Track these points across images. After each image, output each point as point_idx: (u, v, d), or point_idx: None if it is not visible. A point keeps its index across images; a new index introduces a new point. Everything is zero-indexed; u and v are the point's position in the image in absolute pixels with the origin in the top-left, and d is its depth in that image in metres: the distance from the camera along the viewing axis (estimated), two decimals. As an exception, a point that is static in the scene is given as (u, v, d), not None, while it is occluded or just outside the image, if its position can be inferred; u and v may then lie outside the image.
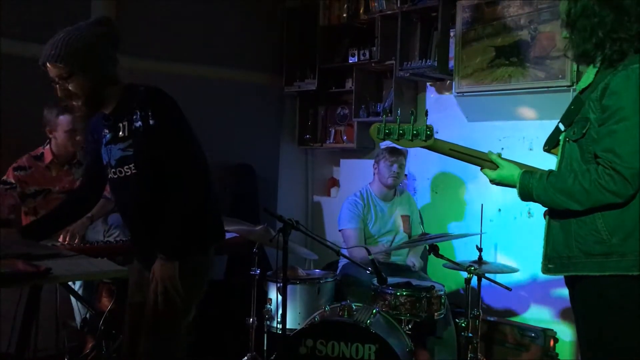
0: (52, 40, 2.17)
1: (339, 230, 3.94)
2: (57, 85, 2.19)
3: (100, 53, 2.19)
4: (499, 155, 2.06)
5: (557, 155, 2.08)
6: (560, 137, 2.04)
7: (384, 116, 2.22)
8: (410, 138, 2.05)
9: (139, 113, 2.20)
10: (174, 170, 2.19)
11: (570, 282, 2.04)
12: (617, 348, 1.87)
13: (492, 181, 2.08)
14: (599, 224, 1.86)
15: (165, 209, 2.19)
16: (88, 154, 2.48)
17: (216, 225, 2.41)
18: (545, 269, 2.02)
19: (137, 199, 2.30)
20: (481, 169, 2.09)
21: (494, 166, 2.05)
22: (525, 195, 1.97)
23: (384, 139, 2.06)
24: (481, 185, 4.11)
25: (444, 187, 4.36)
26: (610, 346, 1.88)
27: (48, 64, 2.16)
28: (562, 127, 2.04)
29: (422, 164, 4.37)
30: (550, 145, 2.10)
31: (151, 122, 2.18)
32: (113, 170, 2.30)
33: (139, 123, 2.20)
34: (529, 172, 1.99)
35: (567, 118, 2.01)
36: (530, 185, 1.95)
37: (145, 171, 2.24)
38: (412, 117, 2.05)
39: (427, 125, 2.04)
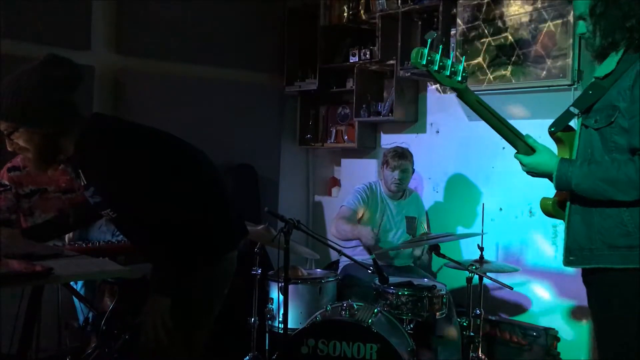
0: None
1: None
2: (6, 139, 2.01)
3: (47, 102, 1.94)
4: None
5: (557, 140, 2.06)
6: (576, 124, 2.01)
7: (428, 40, 1.94)
8: (448, 74, 1.92)
9: (87, 163, 2.02)
10: (156, 207, 2.00)
11: (586, 276, 2.02)
12: (633, 343, 1.85)
13: (526, 167, 2.01)
14: (625, 216, 1.85)
15: (158, 242, 2.03)
16: None
17: (225, 235, 2.20)
18: (567, 261, 2.00)
19: (129, 236, 2.27)
20: (515, 155, 2.02)
21: (529, 150, 1.99)
22: (562, 184, 1.92)
23: (426, 66, 1.89)
24: (483, 184, 4.11)
25: (448, 187, 4.36)
26: (629, 341, 1.86)
27: None
28: (574, 110, 2.01)
29: (425, 162, 4.37)
30: (558, 127, 2.05)
31: (98, 176, 2.00)
32: (100, 212, 2.14)
33: (91, 173, 2.02)
34: (567, 159, 1.94)
35: (583, 103, 1.98)
36: (569, 173, 1.89)
37: (123, 214, 2.08)
38: (441, 46, 1.91)
39: (464, 67, 1.94)
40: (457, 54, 3.97)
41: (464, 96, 1.98)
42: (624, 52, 1.92)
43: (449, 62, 1.92)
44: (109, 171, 1.99)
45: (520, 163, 2.03)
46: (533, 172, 2.01)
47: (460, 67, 1.93)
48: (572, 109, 2.02)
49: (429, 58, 1.89)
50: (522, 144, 2.00)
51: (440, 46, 1.92)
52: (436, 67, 1.91)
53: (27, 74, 1.97)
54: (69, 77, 2.01)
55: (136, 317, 3.00)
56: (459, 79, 1.94)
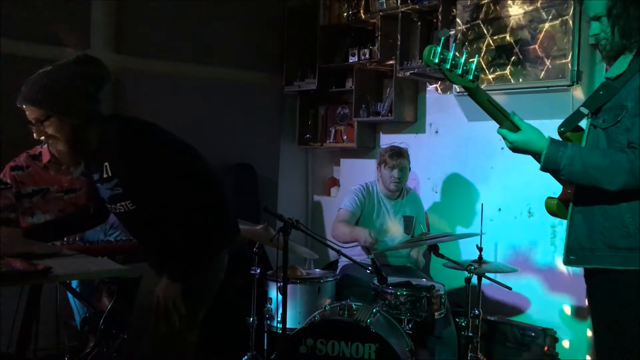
0: (29, 81, 2.08)
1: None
2: (34, 128, 2.11)
3: (79, 95, 2.08)
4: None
5: (565, 139, 2.05)
6: (585, 124, 2.00)
7: (442, 39, 1.92)
8: (460, 73, 1.88)
9: (115, 156, 2.13)
10: (171, 201, 2.13)
11: (588, 276, 2.02)
12: (632, 344, 1.85)
13: (512, 144, 1.96)
14: (627, 218, 1.84)
15: (171, 234, 2.16)
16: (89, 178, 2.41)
17: (225, 230, 2.28)
18: (567, 260, 1.99)
19: (142, 230, 2.30)
20: (498, 129, 1.97)
21: (514, 128, 1.95)
22: (550, 164, 1.89)
23: (438, 64, 1.86)
24: (481, 184, 4.11)
25: (447, 187, 4.36)
26: (628, 342, 1.87)
27: (24, 106, 2.08)
28: (584, 110, 2.00)
29: (424, 162, 4.37)
30: (568, 127, 2.04)
31: (125, 168, 2.12)
32: (110, 206, 2.25)
33: (117, 166, 2.13)
34: (558, 140, 1.91)
35: (593, 103, 1.97)
36: (559, 153, 1.86)
37: (143, 206, 2.18)
38: (456, 44, 1.87)
39: (476, 66, 1.91)
40: (457, 53, 3.96)
41: (475, 95, 1.94)
42: (636, 53, 1.91)
43: (461, 61, 1.89)
44: (137, 162, 2.10)
45: (505, 139, 1.98)
46: (519, 149, 1.97)
47: (472, 66, 1.90)
48: (582, 109, 2.01)
49: (441, 56, 1.86)
50: (507, 122, 1.96)
51: (454, 44, 1.88)
52: (448, 66, 1.88)
53: (62, 68, 2.10)
54: (98, 75, 2.16)
55: (135, 317, 2.99)
56: (471, 77, 1.90)
